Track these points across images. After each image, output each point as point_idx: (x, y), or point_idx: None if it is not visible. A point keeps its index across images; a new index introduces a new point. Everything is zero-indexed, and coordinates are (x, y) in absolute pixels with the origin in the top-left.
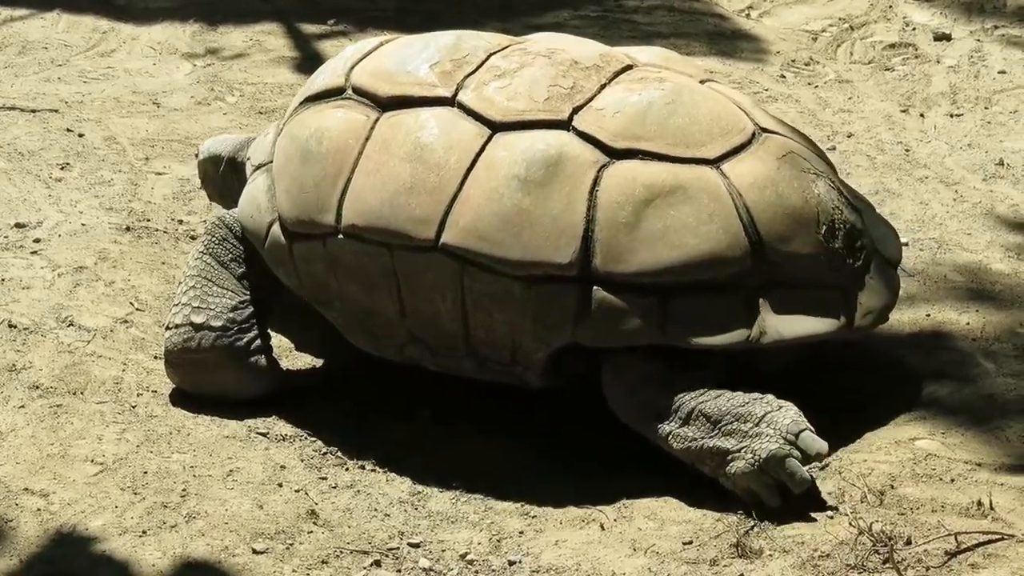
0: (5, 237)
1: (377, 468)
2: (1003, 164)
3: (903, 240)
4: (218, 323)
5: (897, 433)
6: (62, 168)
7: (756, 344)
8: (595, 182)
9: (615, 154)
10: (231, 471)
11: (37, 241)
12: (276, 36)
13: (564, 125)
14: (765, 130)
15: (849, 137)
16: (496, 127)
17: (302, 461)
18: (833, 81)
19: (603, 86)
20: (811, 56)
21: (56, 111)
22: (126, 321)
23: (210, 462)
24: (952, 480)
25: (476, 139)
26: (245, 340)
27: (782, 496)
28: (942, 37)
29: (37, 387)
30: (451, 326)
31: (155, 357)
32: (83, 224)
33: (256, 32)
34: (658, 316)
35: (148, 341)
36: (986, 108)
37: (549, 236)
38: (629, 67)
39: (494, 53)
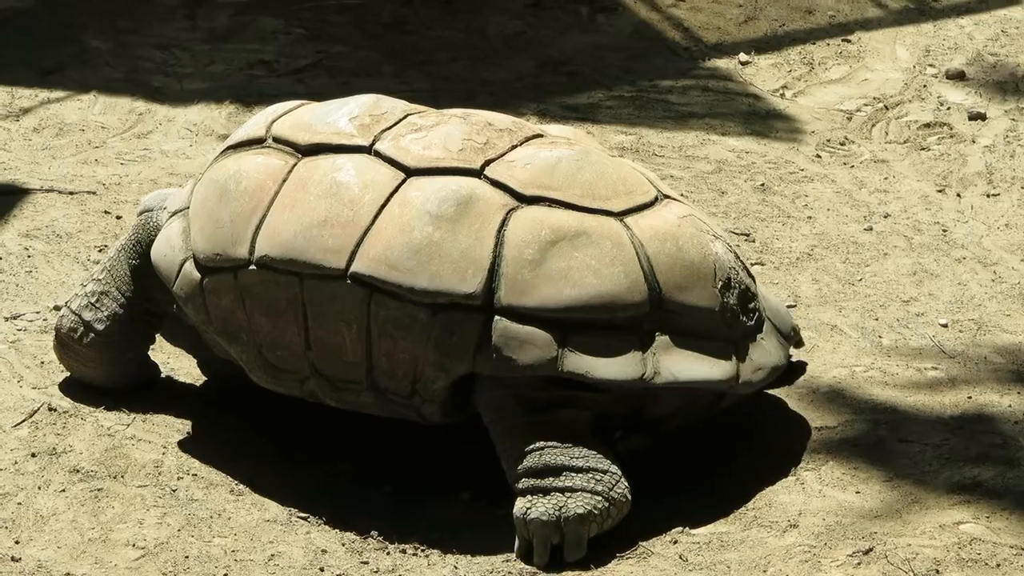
0: (44, 320)
1: (418, 551)
2: None
3: (942, 321)
4: (101, 327)
5: (941, 517)
6: (100, 250)
7: (650, 383)
8: (504, 222)
9: (524, 199)
10: (272, 555)
11: None
12: None
13: (476, 173)
14: (668, 197)
15: (886, 217)
16: (411, 172)
17: (343, 545)
18: (869, 161)
19: (515, 146)
20: (846, 136)
21: (94, 193)
22: (165, 404)
23: (251, 546)
24: (998, 565)
25: (391, 181)
26: (125, 345)
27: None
28: (977, 116)
29: (78, 471)
30: (354, 357)
31: (198, 443)
32: None
33: None
34: (557, 350)
35: (188, 424)
36: (1023, 188)
37: (457, 267)
38: (540, 135)
39: (412, 114)
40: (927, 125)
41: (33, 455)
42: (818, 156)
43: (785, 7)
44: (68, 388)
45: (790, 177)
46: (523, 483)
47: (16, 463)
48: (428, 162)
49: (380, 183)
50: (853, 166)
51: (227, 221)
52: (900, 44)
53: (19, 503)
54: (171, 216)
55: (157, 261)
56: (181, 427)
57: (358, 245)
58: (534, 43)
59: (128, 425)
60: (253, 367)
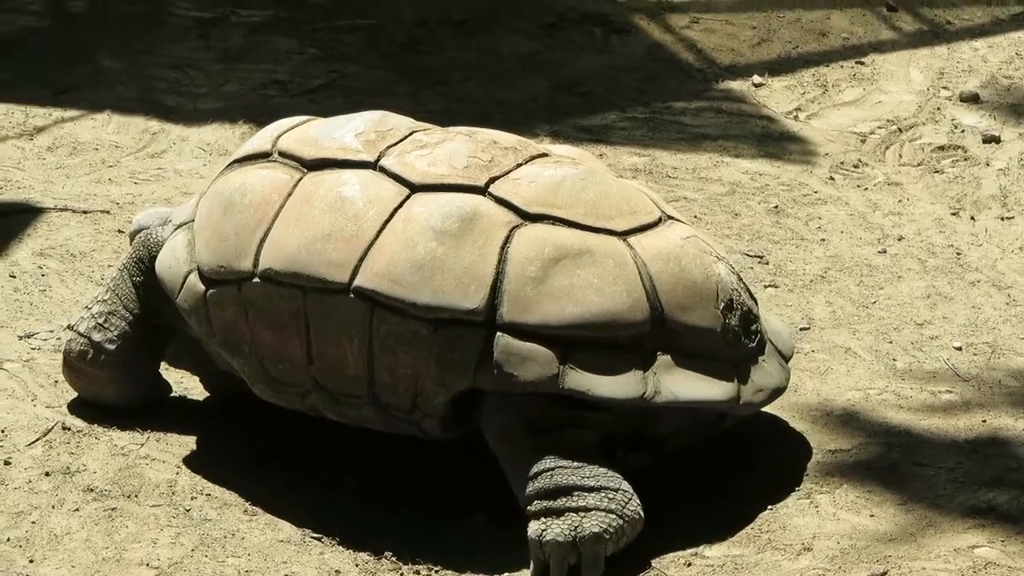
0: (58, 339)
1: (432, 572)
2: None
3: (956, 344)
4: (111, 347)
5: (956, 541)
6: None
7: (651, 402)
8: (507, 239)
9: (528, 217)
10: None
11: None
12: None
13: (481, 190)
14: (672, 218)
15: (900, 240)
16: (415, 188)
17: (356, 566)
18: (882, 183)
19: (520, 164)
20: (860, 158)
21: (107, 212)
22: (179, 423)
23: (265, 567)
24: None
25: (396, 196)
26: (135, 362)
27: None
28: (991, 139)
29: (91, 490)
30: (356, 371)
31: (212, 463)
32: None
33: None
34: (558, 367)
35: (202, 444)
36: None
37: (460, 283)
38: (545, 155)
39: (418, 131)
40: (941, 148)
41: (47, 474)
42: (832, 178)
43: (799, 29)
44: (82, 407)
45: (804, 199)
46: (536, 505)
47: (30, 482)
48: (433, 178)
49: (385, 198)
50: (867, 188)
51: (232, 234)
52: (914, 66)
53: (33, 522)
54: (176, 229)
55: (161, 273)
56: (195, 446)
57: (361, 259)
58: (548, 64)
59: (142, 444)
60: (255, 380)
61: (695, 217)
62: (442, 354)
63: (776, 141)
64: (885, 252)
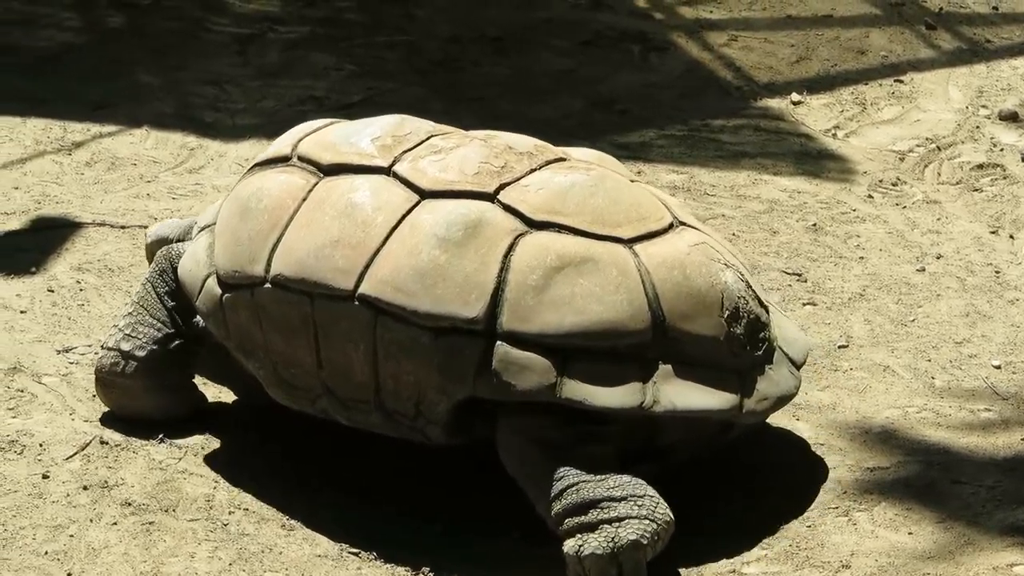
0: (96, 353)
1: None
2: None
3: (995, 363)
4: (141, 354)
5: (994, 559)
6: None
7: (649, 412)
8: (511, 247)
9: (534, 225)
10: None
11: None
12: None
13: (489, 197)
14: (684, 224)
15: (938, 259)
16: (425, 194)
17: None
18: (921, 202)
19: (533, 170)
20: (898, 176)
21: (145, 227)
22: (217, 438)
23: None
24: None
25: (405, 203)
26: (167, 371)
27: None
28: None
29: (129, 504)
30: (362, 377)
31: (249, 478)
32: None
33: None
34: (556, 376)
35: (239, 459)
36: None
37: (461, 291)
38: (561, 159)
39: (435, 135)
40: (980, 166)
41: (85, 488)
42: (870, 196)
43: (837, 47)
44: (119, 421)
45: (842, 217)
46: (568, 523)
47: (68, 496)
48: (443, 185)
49: (393, 204)
50: (905, 207)
51: (246, 239)
52: (953, 85)
53: (71, 535)
54: (200, 231)
55: (183, 275)
56: (232, 461)
57: (367, 266)
58: (585, 81)
59: (179, 459)
60: (270, 383)
61: (733, 234)
62: (443, 362)
63: (814, 159)
64: (924, 270)
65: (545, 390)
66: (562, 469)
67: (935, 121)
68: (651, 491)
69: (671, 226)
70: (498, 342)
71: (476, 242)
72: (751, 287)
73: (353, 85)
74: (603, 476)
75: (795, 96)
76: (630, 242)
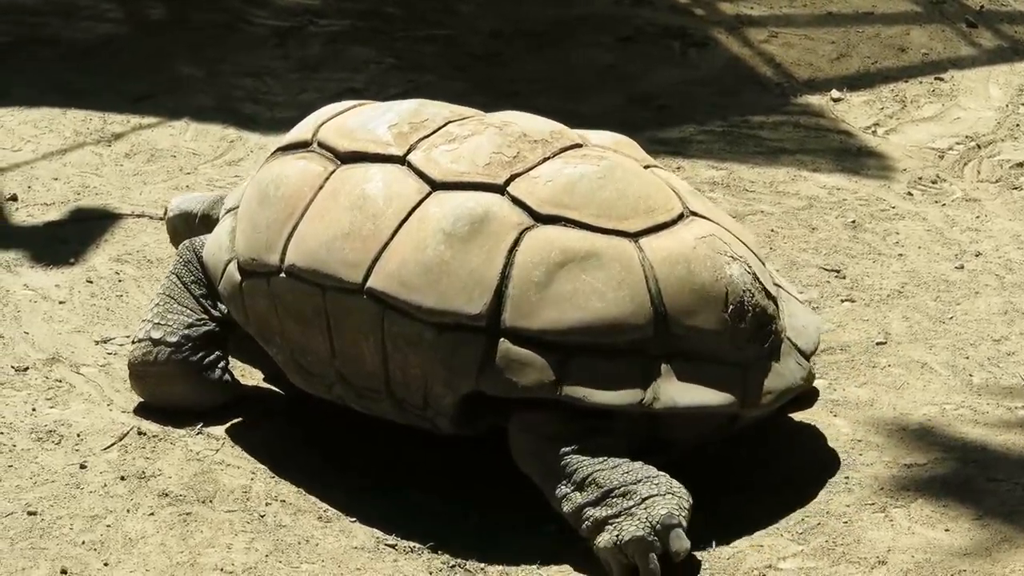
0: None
1: None
2: None
3: None
4: (173, 339)
5: None
6: None
7: (649, 408)
8: (516, 242)
9: (540, 219)
10: None
11: None
12: None
13: (499, 189)
14: (695, 214)
15: (977, 256)
16: (436, 185)
17: (430, 573)
18: (960, 199)
19: (546, 159)
20: (938, 174)
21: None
22: (254, 429)
23: (339, 573)
24: None
25: (415, 194)
26: (199, 356)
27: None
28: None
29: (166, 494)
30: (373, 368)
31: (287, 469)
32: None
33: None
34: (557, 373)
35: (277, 449)
36: None
37: (464, 287)
38: (577, 145)
39: (453, 121)
40: (1020, 164)
41: (122, 478)
42: (910, 194)
43: (878, 44)
44: (157, 412)
45: (881, 214)
46: (589, 514)
47: (105, 486)
48: (454, 176)
49: (404, 196)
50: (945, 204)
51: (264, 227)
52: (993, 83)
53: (108, 525)
54: (226, 213)
55: (207, 259)
56: (270, 452)
57: (375, 260)
58: (624, 77)
59: (216, 450)
60: (288, 369)
61: (772, 230)
62: (447, 358)
63: (854, 156)
64: (962, 268)
65: (546, 387)
66: (574, 462)
67: (975, 119)
68: (660, 472)
69: (680, 217)
70: (501, 339)
71: (481, 237)
72: (759, 279)
73: (392, 78)
74: (614, 464)
75: (835, 93)
76: (636, 235)
